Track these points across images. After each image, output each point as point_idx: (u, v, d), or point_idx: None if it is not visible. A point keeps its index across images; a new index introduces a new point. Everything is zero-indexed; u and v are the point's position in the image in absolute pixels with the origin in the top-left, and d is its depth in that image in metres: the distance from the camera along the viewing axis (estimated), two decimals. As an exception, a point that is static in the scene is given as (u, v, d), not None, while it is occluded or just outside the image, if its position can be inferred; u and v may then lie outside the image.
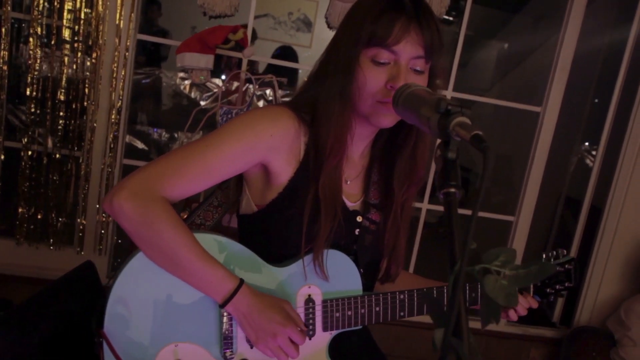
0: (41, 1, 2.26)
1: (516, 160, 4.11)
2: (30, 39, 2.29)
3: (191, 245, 0.98)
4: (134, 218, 0.95)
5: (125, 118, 2.41)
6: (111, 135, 2.38)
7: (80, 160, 2.39)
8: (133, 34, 2.34)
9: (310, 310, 1.08)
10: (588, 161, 3.80)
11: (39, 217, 2.40)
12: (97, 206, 2.41)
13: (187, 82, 5.33)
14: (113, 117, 2.36)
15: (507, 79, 5.38)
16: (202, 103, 5.16)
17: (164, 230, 0.96)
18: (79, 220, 2.42)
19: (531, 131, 2.66)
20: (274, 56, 4.65)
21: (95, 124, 2.36)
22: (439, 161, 0.71)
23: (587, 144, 3.89)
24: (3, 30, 2.27)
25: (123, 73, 2.34)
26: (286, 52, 4.16)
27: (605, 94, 2.74)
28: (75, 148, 2.38)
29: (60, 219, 2.42)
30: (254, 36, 5.10)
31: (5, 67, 2.30)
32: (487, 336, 2.74)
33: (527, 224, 2.70)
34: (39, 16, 2.27)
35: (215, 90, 4.66)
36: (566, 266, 1.36)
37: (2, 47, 2.28)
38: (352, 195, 1.15)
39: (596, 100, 3.58)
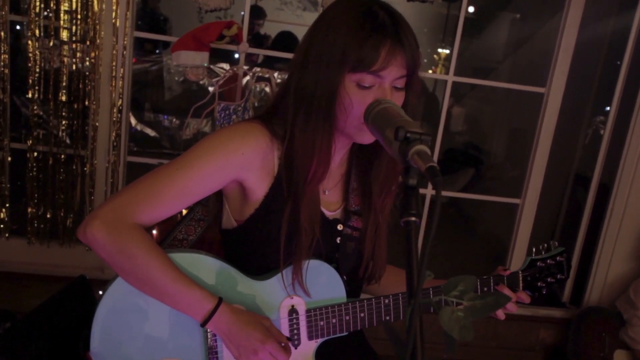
0: (38, 2, 2.27)
1: (531, 134, 4.06)
2: (29, 41, 2.31)
3: (166, 269, 1.00)
4: (108, 247, 0.98)
5: (126, 116, 2.43)
6: (114, 134, 2.41)
7: (85, 159, 2.43)
8: (130, 32, 2.34)
9: (295, 320, 1.10)
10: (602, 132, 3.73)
11: (48, 216, 2.46)
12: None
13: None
14: (115, 115, 2.39)
15: (519, 52, 5.25)
16: (210, 88, 5.17)
17: (137, 256, 0.98)
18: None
19: (539, 110, 2.62)
20: (273, 42, 4.61)
21: (97, 123, 2.39)
22: (401, 187, 0.71)
23: (601, 117, 3.81)
24: (2, 33, 2.30)
25: (122, 71, 2.36)
26: (286, 39, 4.11)
27: (612, 68, 2.67)
28: (80, 147, 2.42)
29: (68, 218, 2.47)
30: (263, 15, 5.05)
31: (6, 70, 2.33)
32: (496, 319, 2.75)
33: (533, 207, 2.67)
34: (36, 18, 2.28)
35: (223, 73, 4.66)
36: (558, 258, 1.35)
37: (3, 50, 2.31)
38: (331, 204, 1.15)
39: (604, 74, 3.49)
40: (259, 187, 1.07)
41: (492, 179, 4.86)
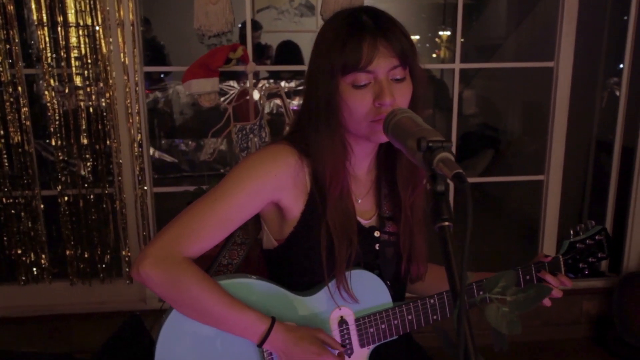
0: (49, 54, 2.35)
1: (545, 106, 4.03)
2: (46, 92, 2.38)
3: (219, 297, 1.04)
4: (161, 283, 1.03)
5: (147, 149, 2.49)
6: (137, 168, 2.47)
7: (114, 196, 2.50)
8: (139, 67, 2.40)
9: (345, 331, 1.13)
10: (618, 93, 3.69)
11: (86, 255, 2.54)
12: (137, 236, 2.53)
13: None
14: (136, 150, 2.45)
15: (522, 26, 5.20)
16: (226, 100, 5.23)
17: (191, 288, 1.03)
18: (123, 252, 2.54)
19: (550, 84, 2.61)
20: (277, 53, 4.65)
21: (121, 160, 2.46)
22: (430, 194, 0.73)
23: (615, 78, 3.77)
24: (19, 88, 2.38)
25: (137, 107, 2.42)
26: (289, 48, 4.15)
27: (620, 24, 2.63)
28: (107, 185, 2.49)
29: (106, 254, 2.54)
30: (259, 27, 5.10)
31: (28, 122, 2.41)
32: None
33: (558, 182, 2.66)
34: (50, 68, 2.36)
35: (231, 91, 4.71)
36: (597, 237, 1.35)
37: (22, 103, 2.39)
38: (365, 212, 1.18)
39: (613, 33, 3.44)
40: (294, 206, 1.10)
41: (513, 155, 4.83)
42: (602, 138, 3.36)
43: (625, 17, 2.59)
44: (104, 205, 2.51)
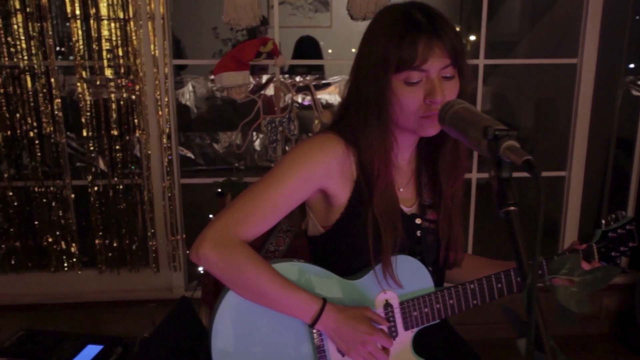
0: (81, 47, 2.39)
1: (560, 103, 4.03)
2: (78, 84, 2.43)
3: (274, 278, 1.09)
4: (220, 264, 1.08)
5: (175, 141, 2.54)
6: (166, 159, 2.52)
7: (142, 187, 2.55)
8: (169, 60, 2.45)
9: (390, 314, 1.17)
10: (635, 92, 3.70)
11: (115, 244, 2.59)
12: (164, 227, 2.58)
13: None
14: (164, 141, 2.50)
15: (540, 23, 5.20)
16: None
17: (248, 270, 1.08)
18: (150, 242, 2.60)
19: (570, 79, 2.63)
20: (295, 48, 4.69)
21: (149, 152, 2.51)
22: (494, 180, 0.77)
23: (630, 76, 3.78)
24: (52, 80, 2.43)
25: (166, 99, 2.46)
26: (307, 43, 4.19)
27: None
28: (135, 176, 2.54)
29: (134, 244, 2.60)
30: (265, 22, 5.14)
31: (60, 114, 2.47)
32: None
33: (580, 178, 2.69)
34: (82, 61, 2.41)
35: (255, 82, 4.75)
36: (627, 227, 1.39)
37: (54, 95, 2.44)
38: (407, 200, 1.22)
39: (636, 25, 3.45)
40: (341, 193, 1.14)
41: (527, 152, 4.84)
42: (623, 135, 3.38)
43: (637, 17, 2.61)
44: (133, 195, 2.56)
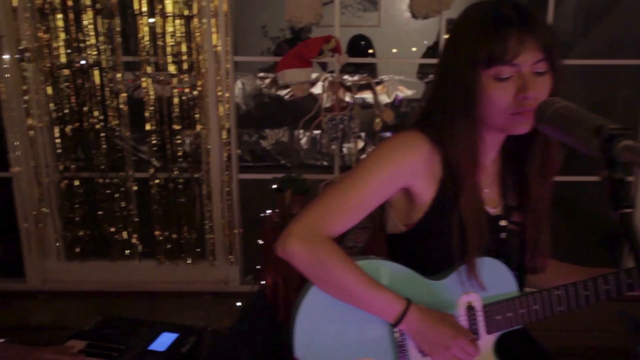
0: (146, 43, 2.45)
1: (611, 106, 3.89)
2: (143, 79, 2.49)
3: (359, 276, 1.08)
4: (306, 260, 1.08)
5: (235, 137, 2.57)
6: (225, 154, 2.56)
7: (202, 181, 2.59)
8: (231, 57, 2.48)
9: (473, 316, 1.15)
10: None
11: (174, 237, 2.65)
12: (221, 221, 2.62)
13: (267, 80, 5.50)
14: (224, 137, 2.53)
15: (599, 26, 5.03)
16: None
17: (334, 267, 1.07)
18: (207, 236, 2.64)
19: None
20: (348, 47, 4.69)
21: (209, 146, 2.55)
22: (607, 181, 0.74)
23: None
24: (117, 75, 2.50)
25: (227, 95, 2.50)
26: (360, 42, 4.18)
27: None
28: (195, 170, 2.59)
29: (192, 236, 2.65)
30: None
31: (125, 108, 2.53)
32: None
33: (647, 182, 2.59)
34: (147, 56, 2.47)
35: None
36: None
37: (120, 89, 2.51)
38: (491, 201, 1.20)
39: None
40: (425, 192, 1.13)
41: (575, 156, 4.69)
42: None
43: None
44: (192, 189, 2.61)
